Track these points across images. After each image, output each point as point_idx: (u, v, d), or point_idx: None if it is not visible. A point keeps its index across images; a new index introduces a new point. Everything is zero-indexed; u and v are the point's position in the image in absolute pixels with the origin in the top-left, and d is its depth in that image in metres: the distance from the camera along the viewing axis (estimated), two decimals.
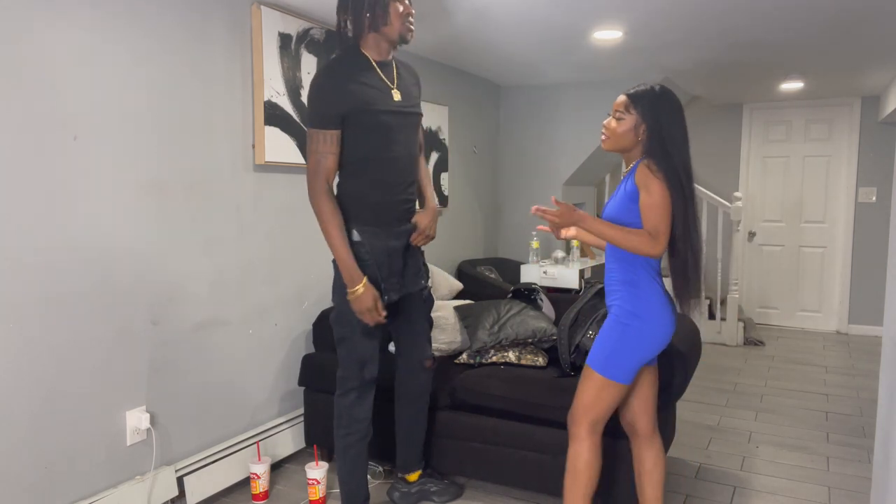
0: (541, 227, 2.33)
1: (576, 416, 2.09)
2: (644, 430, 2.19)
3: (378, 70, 2.22)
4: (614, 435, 2.40)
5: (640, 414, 2.18)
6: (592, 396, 2.05)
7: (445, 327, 3.12)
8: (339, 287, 2.26)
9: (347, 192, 2.24)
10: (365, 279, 2.17)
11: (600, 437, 2.10)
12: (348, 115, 2.14)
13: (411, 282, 2.41)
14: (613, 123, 2.04)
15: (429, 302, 2.55)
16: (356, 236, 2.23)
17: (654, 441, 2.20)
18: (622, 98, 2.02)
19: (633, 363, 2.02)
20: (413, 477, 2.68)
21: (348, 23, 2.20)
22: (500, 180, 5.36)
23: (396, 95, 2.25)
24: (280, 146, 2.97)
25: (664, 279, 2.09)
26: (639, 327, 1.99)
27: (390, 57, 2.28)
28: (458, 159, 4.67)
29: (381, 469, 2.96)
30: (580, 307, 2.57)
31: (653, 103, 1.98)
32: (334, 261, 2.24)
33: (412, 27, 2.21)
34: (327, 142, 2.14)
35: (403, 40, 2.21)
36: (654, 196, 1.92)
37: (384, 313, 2.22)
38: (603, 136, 2.07)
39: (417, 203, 2.44)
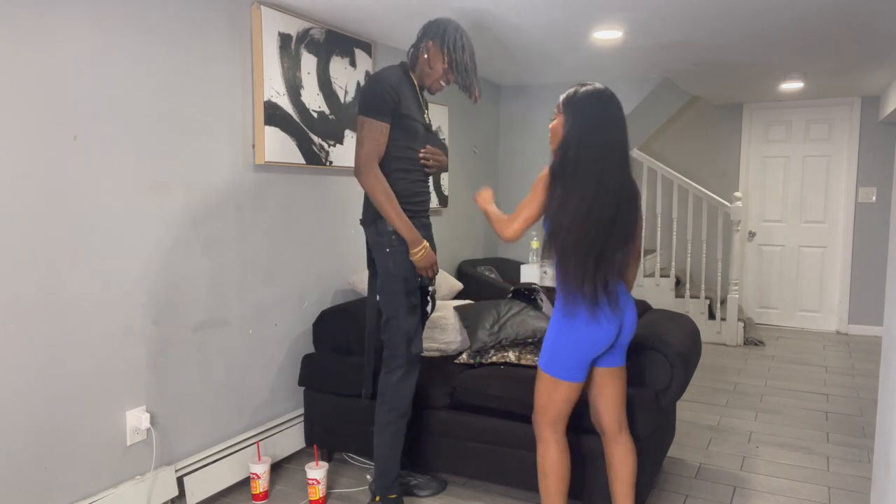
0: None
1: (536, 418, 2.19)
2: (609, 429, 2.24)
3: (418, 91, 2.57)
4: (588, 431, 2.44)
5: (604, 413, 2.23)
6: (545, 396, 2.14)
7: (445, 327, 3.12)
8: (385, 270, 2.48)
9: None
10: (426, 242, 2.46)
11: (563, 435, 2.17)
12: (395, 115, 2.41)
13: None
14: (552, 123, 2.14)
15: (433, 300, 2.69)
16: (392, 227, 2.44)
17: (621, 439, 2.24)
18: (560, 98, 2.13)
19: (573, 360, 2.07)
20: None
21: (411, 52, 2.52)
22: (500, 180, 5.36)
23: (427, 117, 2.60)
24: (280, 146, 2.97)
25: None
26: (569, 325, 2.05)
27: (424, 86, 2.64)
28: (458, 159, 4.67)
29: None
30: None
31: (570, 104, 2.06)
32: (370, 250, 2.52)
33: (441, 88, 2.56)
34: (381, 132, 2.40)
35: (430, 92, 2.58)
36: (530, 195, 2.08)
37: (437, 269, 2.54)
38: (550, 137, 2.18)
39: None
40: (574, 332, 2.05)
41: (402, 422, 2.52)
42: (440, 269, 3.97)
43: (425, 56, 2.47)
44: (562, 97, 2.10)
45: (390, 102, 2.38)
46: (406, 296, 2.48)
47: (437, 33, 2.45)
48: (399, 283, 2.47)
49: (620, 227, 2.03)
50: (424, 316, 2.67)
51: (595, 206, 1.99)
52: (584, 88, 2.06)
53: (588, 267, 1.99)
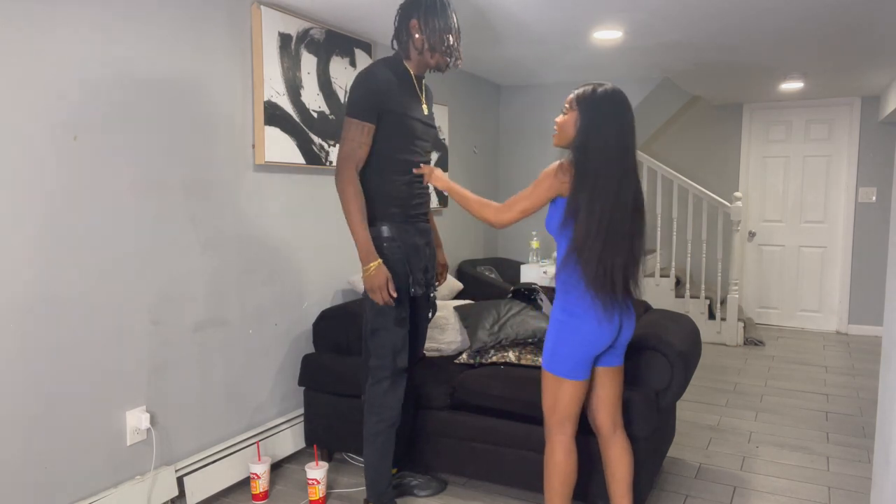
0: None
1: (545, 419, 2.18)
2: (605, 429, 2.24)
3: (415, 83, 2.41)
4: (590, 432, 2.44)
5: (600, 412, 2.23)
6: (550, 396, 2.14)
7: (445, 327, 3.12)
8: None
9: (377, 188, 2.36)
10: (379, 260, 2.29)
11: (570, 435, 2.16)
12: (384, 113, 2.30)
13: (431, 282, 2.57)
14: (561, 118, 2.11)
15: (433, 305, 2.64)
16: (387, 232, 2.37)
17: (616, 439, 2.24)
18: (570, 94, 2.10)
19: (573, 359, 2.06)
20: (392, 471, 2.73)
21: (401, 37, 2.35)
22: (500, 180, 5.36)
23: (424, 109, 2.46)
24: (280, 146, 2.97)
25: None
26: (570, 324, 2.05)
27: (423, 75, 2.47)
28: (458, 159, 4.67)
29: None
30: None
31: (589, 101, 2.03)
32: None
33: (449, 59, 2.36)
34: (364, 133, 2.28)
35: (439, 69, 2.40)
36: (533, 186, 2.07)
37: (394, 294, 2.32)
38: (554, 132, 2.14)
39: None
40: (576, 330, 2.04)
41: (391, 431, 2.46)
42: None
43: (416, 36, 2.31)
44: (576, 93, 2.06)
45: (375, 102, 2.26)
46: (395, 306, 2.38)
47: (417, 8, 2.29)
48: None
49: (638, 231, 2.05)
50: (426, 321, 2.64)
51: (617, 211, 1.99)
52: (602, 88, 2.03)
53: (614, 271, 2.00)
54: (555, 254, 4.58)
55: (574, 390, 2.10)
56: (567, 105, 2.08)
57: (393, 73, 2.34)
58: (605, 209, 1.97)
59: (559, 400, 2.12)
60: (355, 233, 2.27)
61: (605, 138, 1.99)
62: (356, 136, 2.28)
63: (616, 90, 2.04)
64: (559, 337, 2.08)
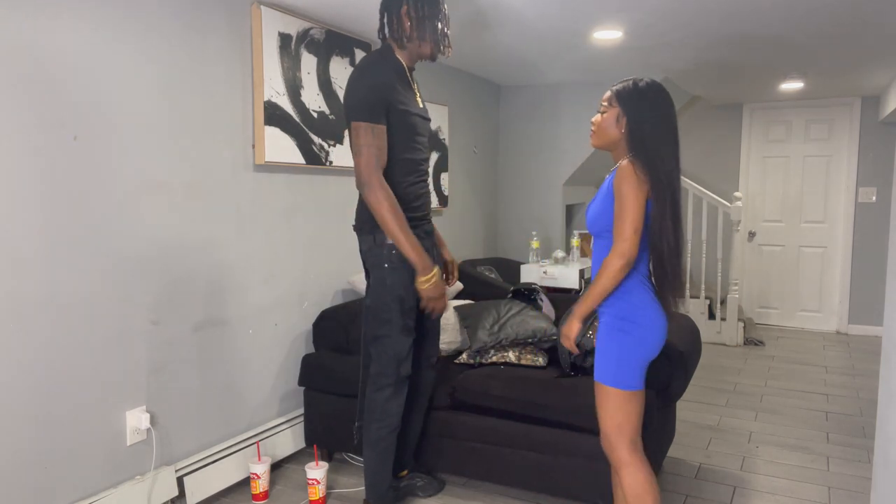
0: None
1: (612, 442, 1.98)
2: None
3: (409, 75, 2.32)
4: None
5: None
6: (620, 414, 1.96)
7: (445, 327, 3.12)
8: (380, 286, 2.30)
9: None
10: (437, 268, 2.20)
11: (642, 452, 2.01)
12: (389, 112, 2.19)
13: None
14: (598, 118, 2.01)
15: None
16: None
17: (637, 441, 2.20)
18: (607, 93, 2.01)
19: (641, 367, 1.97)
20: (402, 473, 2.74)
21: (392, 26, 2.24)
22: (500, 180, 5.36)
23: (420, 102, 2.37)
24: (280, 146, 2.97)
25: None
26: (637, 332, 1.93)
27: (414, 66, 2.39)
28: (458, 159, 4.67)
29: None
30: None
31: (633, 96, 1.93)
32: (365, 260, 2.34)
33: (442, 48, 2.29)
34: (378, 136, 2.16)
35: (433, 58, 2.32)
36: (623, 201, 1.86)
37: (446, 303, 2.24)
38: (591, 132, 2.05)
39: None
40: (638, 337, 1.93)
41: (392, 436, 2.43)
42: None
43: (408, 25, 2.20)
44: (615, 90, 1.95)
45: (379, 100, 2.15)
46: (402, 315, 2.31)
47: None
48: (395, 301, 2.30)
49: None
50: (438, 319, 2.58)
51: (678, 208, 1.92)
52: (643, 81, 1.93)
53: (680, 269, 1.95)
54: (556, 253, 4.58)
55: (641, 401, 1.98)
56: (605, 103, 1.98)
57: (388, 66, 2.23)
58: (671, 207, 1.89)
59: (629, 416, 1.95)
60: (401, 244, 2.17)
61: (659, 130, 1.90)
62: (371, 141, 2.15)
63: (656, 81, 1.95)
64: (624, 347, 1.93)
